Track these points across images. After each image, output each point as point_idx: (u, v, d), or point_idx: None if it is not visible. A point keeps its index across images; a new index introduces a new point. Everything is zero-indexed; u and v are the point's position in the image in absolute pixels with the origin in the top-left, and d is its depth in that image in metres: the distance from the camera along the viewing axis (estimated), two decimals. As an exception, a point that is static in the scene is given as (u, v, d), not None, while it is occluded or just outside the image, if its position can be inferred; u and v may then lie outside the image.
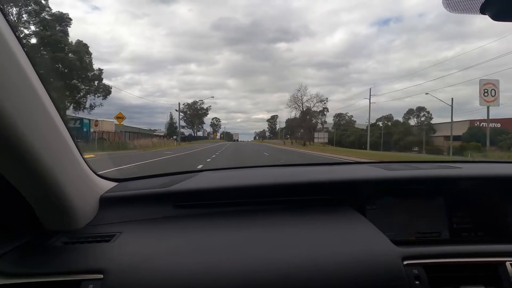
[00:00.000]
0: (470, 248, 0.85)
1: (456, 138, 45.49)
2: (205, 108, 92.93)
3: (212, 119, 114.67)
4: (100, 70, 25.71)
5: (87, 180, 0.94)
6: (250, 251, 0.80)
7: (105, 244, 0.84)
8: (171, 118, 74.42)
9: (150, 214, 1.01)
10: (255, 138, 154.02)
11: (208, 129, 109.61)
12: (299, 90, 63.10)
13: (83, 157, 0.91)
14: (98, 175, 1.06)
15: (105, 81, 25.92)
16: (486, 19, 0.52)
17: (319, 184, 1.10)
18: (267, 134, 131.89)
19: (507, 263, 0.79)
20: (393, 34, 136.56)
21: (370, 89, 48.71)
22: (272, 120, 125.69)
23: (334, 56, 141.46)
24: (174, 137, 52.94)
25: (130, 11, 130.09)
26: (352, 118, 74.01)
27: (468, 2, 0.52)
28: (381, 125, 64.36)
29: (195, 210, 1.04)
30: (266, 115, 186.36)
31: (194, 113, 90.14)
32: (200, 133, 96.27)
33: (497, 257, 0.81)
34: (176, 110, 42.02)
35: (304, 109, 56.39)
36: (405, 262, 0.77)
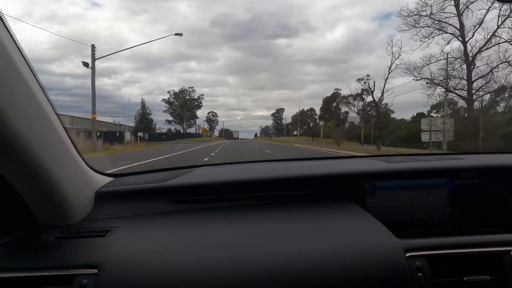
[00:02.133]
0: (473, 239, 0.83)
1: None
2: (196, 97, 74.49)
3: (208, 113, 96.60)
4: None
5: (82, 174, 0.93)
6: (248, 246, 0.79)
7: (100, 239, 0.82)
8: (144, 107, 55.18)
9: (146, 209, 1.00)
10: (256, 135, 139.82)
11: (205, 125, 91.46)
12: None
13: (79, 152, 0.91)
14: (95, 170, 1.05)
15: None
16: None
17: (319, 178, 1.10)
18: (271, 130, 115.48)
19: None
20: (394, 28, 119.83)
21: (447, 54, 30.37)
22: (278, 114, 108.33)
23: (334, 52, 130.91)
24: (140, 134, 34.63)
25: (129, 7, 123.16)
26: (389, 107, 55.12)
27: None
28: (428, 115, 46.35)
29: (192, 205, 1.03)
30: (266, 112, 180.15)
31: (183, 104, 71.67)
32: (192, 130, 77.83)
33: (501, 246, 0.80)
34: (85, 65, 17.64)
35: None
36: (407, 254, 0.76)
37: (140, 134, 33.15)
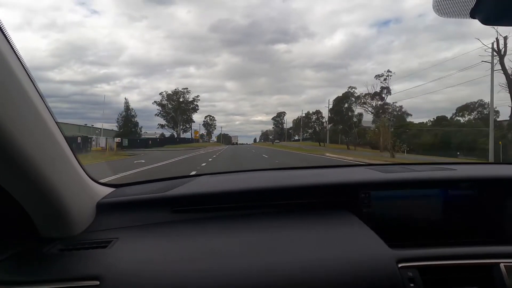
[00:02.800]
0: (465, 250, 0.84)
1: None
2: (191, 100, 68.21)
3: (206, 117, 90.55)
4: None
5: (83, 186, 0.93)
6: (247, 256, 0.80)
7: (101, 251, 0.83)
8: (128, 108, 48.59)
9: (147, 220, 1.01)
10: (255, 140, 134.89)
11: (201, 130, 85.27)
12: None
13: (79, 163, 0.91)
14: (95, 181, 1.05)
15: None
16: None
17: (315, 187, 1.12)
18: (272, 135, 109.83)
19: (501, 265, 0.79)
20: (392, 35, 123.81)
21: (493, 44, 24.77)
22: (279, 118, 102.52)
23: (333, 58, 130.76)
24: (117, 139, 28.46)
25: (128, 14, 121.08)
26: (405, 110, 49.20)
27: (458, 7, 0.52)
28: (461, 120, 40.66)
29: (192, 215, 1.04)
30: (265, 117, 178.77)
31: (177, 107, 65.49)
32: (188, 135, 71.50)
33: (491, 258, 0.81)
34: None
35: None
36: (399, 265, 0.77)
37: (117, 139, 27.05)
